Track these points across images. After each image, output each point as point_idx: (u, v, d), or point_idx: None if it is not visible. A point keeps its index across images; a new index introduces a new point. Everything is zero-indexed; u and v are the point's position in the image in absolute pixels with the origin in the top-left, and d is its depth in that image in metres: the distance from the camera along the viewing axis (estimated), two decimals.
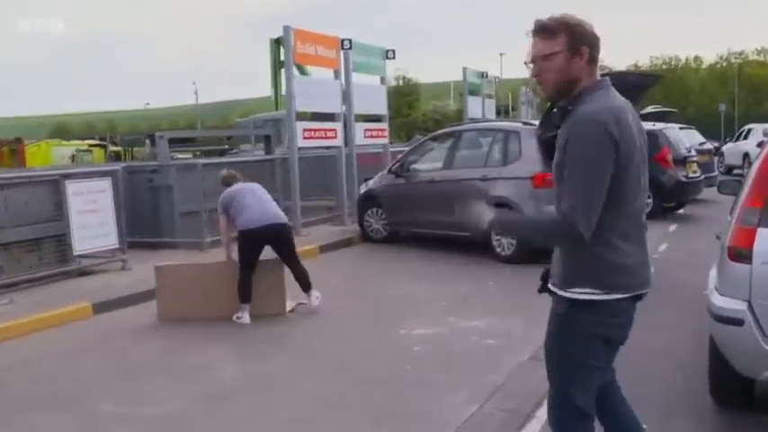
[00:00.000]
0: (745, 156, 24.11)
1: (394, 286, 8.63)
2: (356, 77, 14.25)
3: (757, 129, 25.66)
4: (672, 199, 14.09)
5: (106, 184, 9.47)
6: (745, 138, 25.56)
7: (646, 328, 6.82)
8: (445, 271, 9.45)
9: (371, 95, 14.83)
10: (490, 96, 22.70)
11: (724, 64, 67.44)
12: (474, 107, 20.93)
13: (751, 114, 54.34)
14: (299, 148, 12.62)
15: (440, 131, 12.16)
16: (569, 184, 2.63)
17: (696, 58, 68.78)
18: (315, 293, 7.45)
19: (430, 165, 11.42)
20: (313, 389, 5.20)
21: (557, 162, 2.74)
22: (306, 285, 7.49)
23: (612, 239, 2.70)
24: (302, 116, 13.97)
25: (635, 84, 9.19)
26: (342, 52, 13.71)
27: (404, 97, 54.00)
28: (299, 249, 7.96)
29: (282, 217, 7.49)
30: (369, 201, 12.20)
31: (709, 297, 4.40)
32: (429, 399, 4.93)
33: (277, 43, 14.19)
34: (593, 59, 2.72)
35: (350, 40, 13.69)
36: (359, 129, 14.30)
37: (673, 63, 68.27)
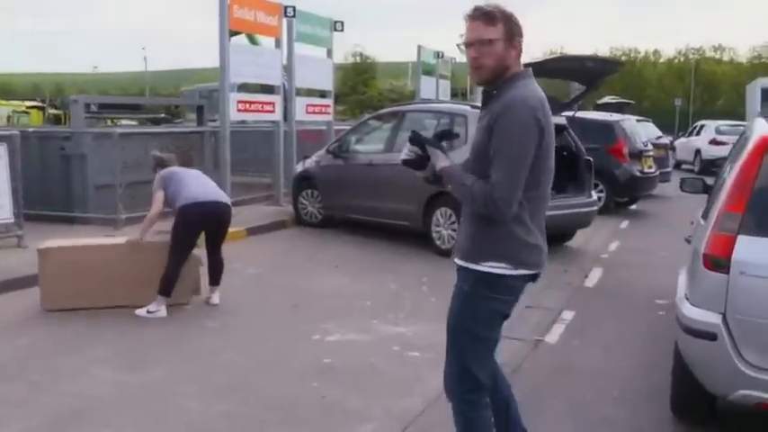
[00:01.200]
0: (697, 152, 24.29)
1: (319, 278, 7.79)
2: (300, 49, 13.32)
3: (710, 125, 25.69)
4: (625, 194, 13.48)
5: (1, 150, 8.40)
6: (698, 134, 25.54)
7: (600, 337, 6.28)
8: (379, 263, 8.64)
9: (316, 69, 13.86)
10: (445, 77, 21.88)
11: (682, 59, 67.78)
12: (427, 87, 20.08)
13: (705, 111, 54.76)
14: (237, 122, 11.65)
15: (382, 111, 11.27)
16: (499, 163, 2.75)
17: (655, 51, 69.03)
18: (217, 294, 6.73)
19: (370, 146, 10.56)
20: (189, 410, 4.32)
21: (478, 142, 2.87)
22: (215, 280, 6.77)
23: (525, 218, 2.86)
24: (253, 88, 13.03)
25: (594, 70, 8.40)
26: (285, 20, 12.74)
27: (360, 75, 52.91)
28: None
29: (227, 198, 6.78)
30: (304, 182, 11.31)
31: (678, 306, 4.03)
32: (331, 430, 4.11)
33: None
34: (521, 51, 2.87)
35: (293, 8, 12.70)
36: (300, 103, 13.36)
37: (632, 55, 68.30)
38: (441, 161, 2.94)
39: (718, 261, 3.68)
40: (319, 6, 14.42)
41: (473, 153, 2.88)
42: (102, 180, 10.16)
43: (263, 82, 12.56)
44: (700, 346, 3.75)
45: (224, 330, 5.96)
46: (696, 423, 4.20)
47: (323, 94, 14.65)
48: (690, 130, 27.54)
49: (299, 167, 11.74)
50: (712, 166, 23.69)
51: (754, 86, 32.94)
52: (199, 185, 6.57)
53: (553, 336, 6.04)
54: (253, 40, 15.67)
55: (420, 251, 9.13)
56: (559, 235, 9.75)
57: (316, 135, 14.72)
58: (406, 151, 3.04)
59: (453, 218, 8.80)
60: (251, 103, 11.93)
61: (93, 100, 15.98)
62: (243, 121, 13.72)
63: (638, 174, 13.13)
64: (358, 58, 53.84)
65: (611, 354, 5.63)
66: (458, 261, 2.96)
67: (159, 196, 6.46)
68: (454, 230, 8.81)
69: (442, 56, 21.00)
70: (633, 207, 14.26)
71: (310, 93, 15.00)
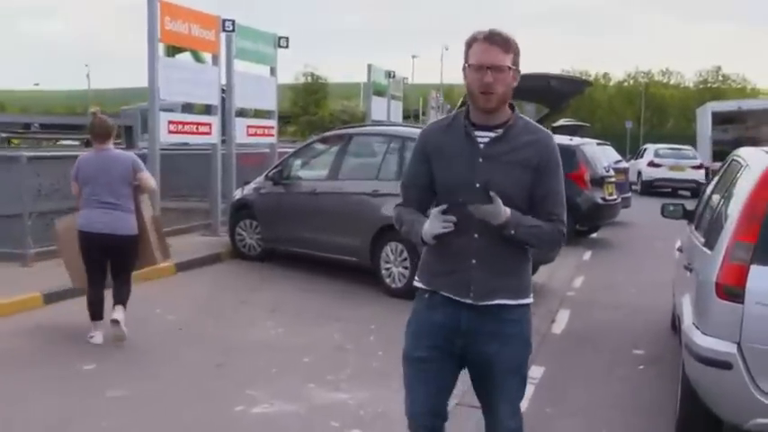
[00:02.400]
0: (639, 174, 24.79)
1: (252, 327, 6.77)
2: (242, 66, 12.36)
3: (651, 148, 26.37)
4: (588, 223, 12.74)
5: None
6: (642, 156, 26.07)
7: (576, 401, 5.36)
8: (322, 305, 7.66)
9: (258, 87, 12.89)
10: (397, 98, 21.10)
11: (631, 82, 68.54)
12: (379, 108, 19.26)
13: (655, 133, 55.21)
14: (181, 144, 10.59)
15: (328, 133, 10.32)
16: (560, 199, 2.82)
17: (605, 74, 69.61)
18: (121, 312, 5.97)
19: (314, 172, 9.62)
20: None
21: (518, 178, 2.76)
22: (118, 300, 6.05)
23: None
24: (199, 109, 11.91)
25: (559, 90, 7.59)
26: (223, 35, 11.76)
27: (311, 95, 51.95)
28: (151, 268, 7.06)
29: (124, 227, 6.07)
30: (242, 211, 10.28)
31: (688, 335, 4.04)
32: None
33: None
34: None
35: (233, 22, 11.73)
36: (240, 124, 12.36)
37: (583, 77, 68.80)
38: (505, 208, 2.69)
39: (732, 290, 3.69)
40: (269, 26, 13.48)
41: (517, 185, 2.75)
42: (5, 209, 9.00)
43: (198, 101, 11.55)
44: (714, 374, 3.74)
45: (128, 403, 4.89)
46: None
47: (265, 115, 13.69)
48: (636, 152, 28.22)
49: (236, 195, 10.72)
50: (650, 187, 24.16)
51: (705, 110, 33.08)
52: (96, 203, 6.00)
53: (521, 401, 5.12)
54: (198, 58, 14.64)
55: (369, 291, 8.18)
56: None
57: (258, 159, 13.71)
58: (440, 224, 2.70)
59: (405, 254, 7.89)
60: (184, 123, 10.88)
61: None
62: (186, 143, 12.64)
63: (601, 201, 12.41)
64: (309, 78, 52.92)
65: (592, 425, 4.74)
66: (503, 301, 2.78)
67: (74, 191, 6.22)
68: (405, 268, 7.90)
69: (394, 76, 20.23)
70: (594, 235, 13.54)
71: (258, 114, 14.05)
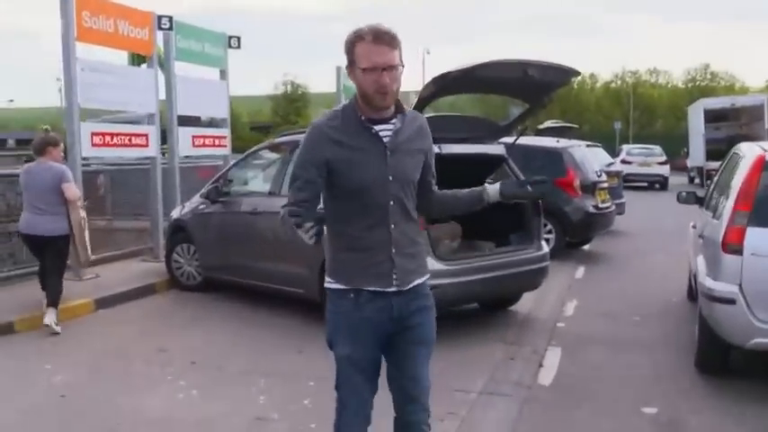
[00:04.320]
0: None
1: (158, 388, 5.33)
2: (186, 69, 11.00)
3: (625, 148, 30.64)
4: (578, 235, 11.32)
5: None
6: (618, 156, 27.99)
7: None
8: (255, 354, 6.23)
9: (205, 93, 11.49)
10: None
11: (619, 82, 67.36)
12: None
13: (644, 134, 54.06)
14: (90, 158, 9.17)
15: (270, 141, 8.83)
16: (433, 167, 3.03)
17: (591, 75, 68.29)
18: (52, 315, 6.76)
19: (256, 187, 8.20)
20: None
21: (418, 160, 2.91)
22: (50, 301, 6.86)
23: None
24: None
25: (539, 80, 6.11)
26: (160, 34, 10.36)
27: (292, 103, 50.47)
28: (68, 303, 7.38)
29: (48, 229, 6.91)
30: (178, 233, 8.87)
31: (702, 282, 5.39)
32: None
33: None
34: None
35: (170, 18, 10.32)
36: (184, 135, 10.93)
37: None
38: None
39: (734, 247, 5.02)
40: (252, 36, 12.08)
41: (418, 169, 2.91)
42: None
43: (127, 109, 10.11)
44: (722, 309, 5.05)
45: None
46: (715, 373, 5.46)
47: (216, 123, 12.28)
48: (616, 153, 29.69)
49: (173, 214, 9.29)
50: (624, 181, 24.13)
51: (697, 107, 31.89)
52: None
53: None
54: (141, 61, 13.20)
55: (317, 330, 6.73)
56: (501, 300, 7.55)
57: (212, 172, 12.29)
58: (308, 239, 2.63)
59: None
60: (112, 135, 9.43)
61: None
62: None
63: (593, 210, 11.00)
64: (289, 87, 51.47)
65: None
66: (419, 280, 2.91)
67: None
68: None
69: None
70: (587, 247, 12.15)
71: (214, 123, 12.63)
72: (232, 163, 8.77)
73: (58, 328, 6.71)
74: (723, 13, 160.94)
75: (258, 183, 8.23)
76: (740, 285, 4.95)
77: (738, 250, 4.98)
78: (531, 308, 7.69)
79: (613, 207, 11.82)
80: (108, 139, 9.32)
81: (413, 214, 2.89)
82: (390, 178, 2.78)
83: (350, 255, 2.83)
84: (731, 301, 4.96)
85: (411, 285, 2.87)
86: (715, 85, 63.45)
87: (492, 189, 3.01)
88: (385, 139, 2.79)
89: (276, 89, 51.66)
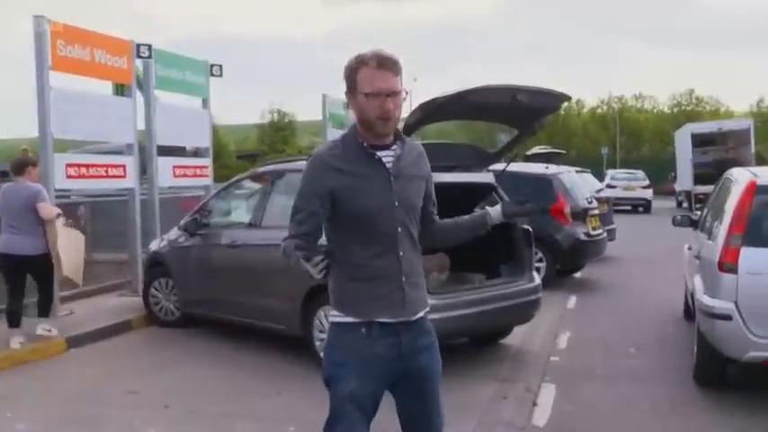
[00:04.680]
0: None
1: None
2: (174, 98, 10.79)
3: (610, 173, 31.93)
4: (569, 263, 11.07)
5: None
6: (604, 180, 28.02)
7: None
8: (232, 394, 5.88)
9: (186, 122, 11.22)
10: None
11: (605, 108, 67.63)
12: None
13: (630, 158, 54.18)
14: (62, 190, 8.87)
15: (252, 170, 8.54)
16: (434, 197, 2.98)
17: (578, 101, 68.54)
18: (44, 325, 7.31)
19: (235, 219, 7.91)
20: None
21: (420, 187, 2.88)
22: (40, 311, 7.38)
23: None
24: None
25: (529, 106, 5.87)
26: (140, 62, 10.11)
27: (279, 132, 50.27)
28: (38, 343, 7.27)
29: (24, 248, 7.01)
30: (156, 267, 8.55)
31: (699, 300, 5.69)
32: None
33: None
34: None
35: (149, 47, 10.06)
36: (164, 165, 10.64)
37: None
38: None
39: (729, 266, 5.34)
40: (241, 66, 11.91)
41: (420, 196, 2.87)
42: None
43: (104, 139, 9.84)
44: (720, 324, 5.36)
45: None
46: (713, 387, 5.74)
47: (197, 153, 12.00)
48: (603, 177, 30.39)
49: (152, 247, 8.97)
50: (599, 202, 25.38)
51: (684, 132, 31.90)
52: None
53: None
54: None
55: (300, 369, 6.44)
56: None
57: (194, 203, 11.99)
58: (318, 273, 2.61)
59: None
60: (87, 166, 9.13)
61: None
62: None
63: (584, 237, 10.76)
64: (275, 116, 51.32)
65: None
66: (422, 311, 2.86)
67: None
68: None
69: None
70: (578, 275, 11.90)
71: (199, 153, 12.34)
72: (212, 194, 8.44)
73: (52, 332, 7.34)
74: (707, 39, 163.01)
75: (238, 214, 7.93)
76: (736, 302, 5.28)
77: (734, 269, 5.31)
78: (522, 341, 7.40)
79: (604, 234, 11.58)
80: (83, 170, 9.02)
81: (417, 242, 2.86)
82: (396, 204, 2.75)
83: (357, 284, 2.76)
84: (728, 317, 5.29)
85: (417, 316, 2.83)
86: (700, 110, 63.81)
87: (494, 211, 2.97)
88: (387, 165, 2.75)
89: (263, 118, 51.59)
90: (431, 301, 5.96)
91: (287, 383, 6.07)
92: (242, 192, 8.24)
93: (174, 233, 8.43)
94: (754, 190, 5.57)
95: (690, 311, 7.19)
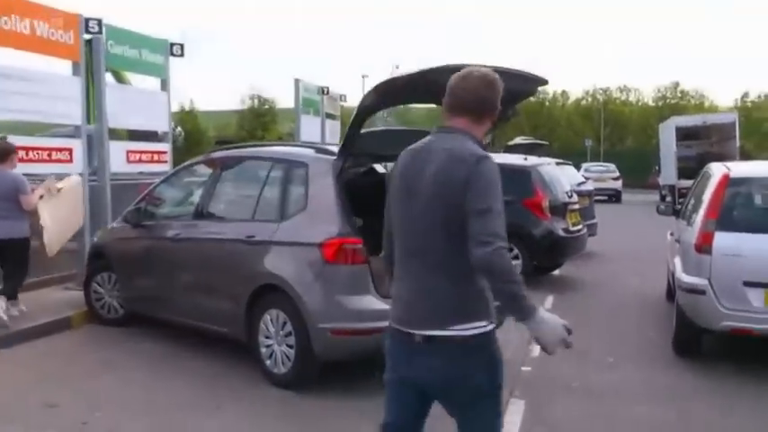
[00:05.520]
0: None
1: None
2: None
3: (584, 166, 33.58)
4: (547, 260, 10.49)
5: None
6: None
7: None
8: (167, 410, 5.23)
9: (142, 104, 10.50)
10: (333, 117, 18.85)
11: (590, 99, 67.16)
12: (310, 128, 16.99)
13: (614, 151, 53.79)
14: None
15: (199, 158, 7.82)
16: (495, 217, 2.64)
17: (563, 92, 68.07)
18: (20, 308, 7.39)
19: (181, 210, 7.23)
20: None
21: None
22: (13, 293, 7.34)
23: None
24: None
25: (504, 90, 5.20)
26: (91, 39, 9.39)
27: (259, 118, 49.35)
28: None
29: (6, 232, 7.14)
30: (98, 260, 7.86)
31: (679, 278, 6.51)
32: None
33: (88, 44, 9.59)
34: None
35: (99, 21, 9.32)
36: (117, 150, 9.93)
37: (541, 96, 67.28)
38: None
39: (705, 248, 6.13)
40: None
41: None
42: None
43: (48, 120, 9.11)
44: (695, 298, 6.19)
45: None
46: (690, 355, 6.55)
47: (155, 137, 11.28)
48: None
49: (95, 238, 8.28)
50: (579, 195, 25.91)
51: (668, 125, 31.38)
52: None
53: None
54: (120, 78, 12.20)
55: (244, 380, 5.80)
56: None
57: None
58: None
59: (289, 326, 5.52)
60: (27, 149, 8.39)
61: None
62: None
63: (563, 233, 10.16)
64: (255, 101, 50.35)
65: None
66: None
67: None
68: (290, 346, 5.52)
69: (327, 92, 17.98)
70: (557, 273, 11.32)
71: (167, 139, 11.59)
72: (158, 181, 7.74)
73: (4, 318, 7.03)
74: (693, 35, 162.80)
75: (184, 204, 7.25)
76: (710, 279, 6.06)
77: (708, 251, 6.11)
78: None
79: (585, 230, 11.00)
80: (22, 153, 8.28)
81: None
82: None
83: (488, 293, 2.76)
84: (702, 292, 6.07)
85: None
86: (685, 103, 63.48)
87: None
88: None
89: (243, 103, 50.66)
90: (385, 306, 5.38)
91: (228, 395, 5.44)
92: (190, 180, 7.54)
93: (116, 224, 7.75)
94: (727, 182, 6.40)
95: (672, 292, 7.72)
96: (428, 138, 2.85)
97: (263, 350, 5.74)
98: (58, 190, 7.95)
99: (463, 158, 2.68)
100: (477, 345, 2.69)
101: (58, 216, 7.89)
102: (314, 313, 5.28)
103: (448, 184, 2.65)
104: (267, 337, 5.71)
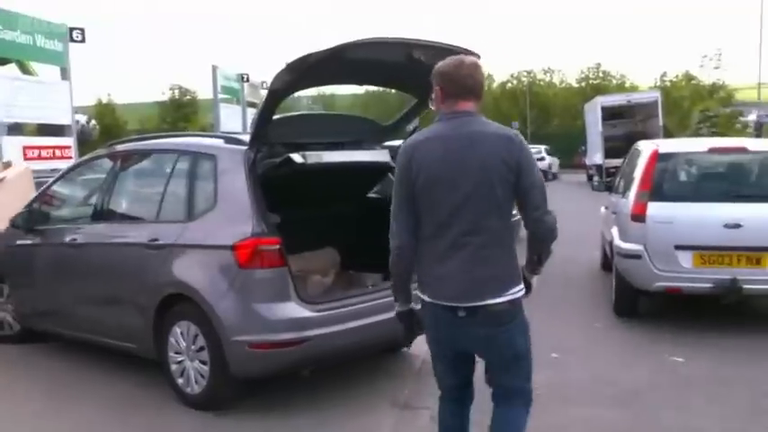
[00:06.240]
0: None
1: None
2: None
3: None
4: None
5: None
6: None
7: None
8: None
9: (38, 95, 9.62)
10: (255, 105, 18.08)
11: (515, 82, 67.55)
12: (230, 118, 16.22)
13: (541, 133, 54.30)
14: None
15: (99, 151, 7.02)
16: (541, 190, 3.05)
17: (489, 75, 68.18)
18: None
19: (77, 212, 6.48)
20: None
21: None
22: None
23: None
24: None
25: (429, 67, 4.64)
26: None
27: (181, 109, 47.73)
28: None
29: None
30: None
31: (616, 244, 7.18)
32: None
33: None
34: None
35: None
36: (12, 144, 9.04)
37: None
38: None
39: (639, 217, 6.81)
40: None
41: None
42: None
43: None
44: (632, 263, 6.86)
45: None
46: (629, 316, 7.23)
47: (57, 131, 10.38)
48: None
49: None
50: None
51: (594, 105, 31.60)
52: None
53: None
54: (25, 69, 11.20)
55: (156, 399, 5.14)
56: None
57: None
58: None
59: (201, 339, 4.88)
60: None
61: None
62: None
63: None
64: (176, 93, 48.70)
65: None
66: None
67: None
68: (204, 362, 4.88)
69: (247, 79, 17.21)
70: None
71: (86, 131, 10.70)
72: (51, 180, 6.93)
73: None
74: (614, 13, 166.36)
75: (83, 204, 6.48)
76: (645, 245, 6.74)
77: (642, 219, 6.79)
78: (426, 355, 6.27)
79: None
80: None
81: None
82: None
83: None
84: (638, 257, 6.76)
85: None
86: (607, 83, 64.47)
87: None
88: None
89: (164, 95, 48.93)
90: (308, 313, 4.81)
91: (139, 422, 4.78)
92: (90, 177, 6.76)
93: (6, 228, 6.92)
94: (656, 157, 7.08)
95: (607, 263, 8.64)
96: (442, 124, 3.01)
97: (174, 367, 5.08)
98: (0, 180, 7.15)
99: (510, 138, 2.92)
100: (519, 308, 3.05)
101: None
102: (228, 325, 4.64)
103: (503, 164, 2.89)
104: (177, 353, 5.05)
